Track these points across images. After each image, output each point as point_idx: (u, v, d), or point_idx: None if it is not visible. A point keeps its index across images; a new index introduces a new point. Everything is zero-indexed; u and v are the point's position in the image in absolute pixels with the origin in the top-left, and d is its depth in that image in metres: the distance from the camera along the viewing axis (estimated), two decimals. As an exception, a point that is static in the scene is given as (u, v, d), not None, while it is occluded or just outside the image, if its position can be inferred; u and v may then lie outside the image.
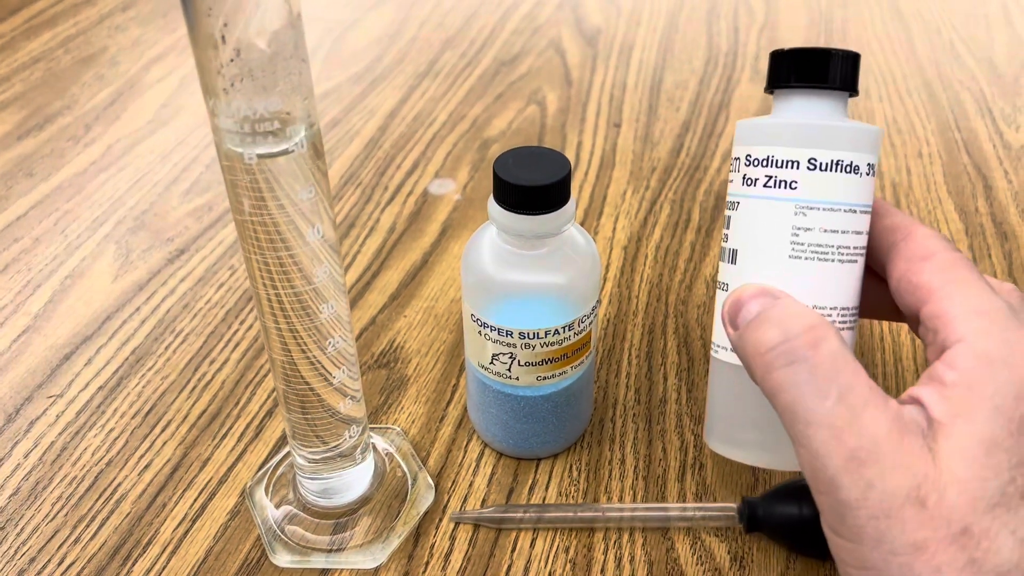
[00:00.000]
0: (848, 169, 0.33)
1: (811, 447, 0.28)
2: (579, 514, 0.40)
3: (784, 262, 0.33)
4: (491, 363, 0.39)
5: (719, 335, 0.36)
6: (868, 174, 0.34)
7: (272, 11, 0.26)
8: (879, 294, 0.36)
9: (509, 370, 0.39)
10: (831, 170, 0.33)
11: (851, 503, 0.27)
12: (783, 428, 0.30)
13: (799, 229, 0.33)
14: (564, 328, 0.38)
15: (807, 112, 0.34)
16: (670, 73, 0.77)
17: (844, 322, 0.34)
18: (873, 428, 0.28)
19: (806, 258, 0.33)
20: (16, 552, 0.39)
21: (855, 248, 0.34)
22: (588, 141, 0.67)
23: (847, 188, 0.33)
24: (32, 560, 0.39)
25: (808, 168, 0.33)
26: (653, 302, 0.52)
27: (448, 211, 0.60)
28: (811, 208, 0.33)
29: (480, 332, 0.39)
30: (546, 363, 0.39)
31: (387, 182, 0.63)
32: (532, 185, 0.35)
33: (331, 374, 0.35)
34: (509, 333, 0.38)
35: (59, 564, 0.39)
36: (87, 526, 0.40)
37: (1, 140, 0.68)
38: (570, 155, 0.65)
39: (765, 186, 0.34)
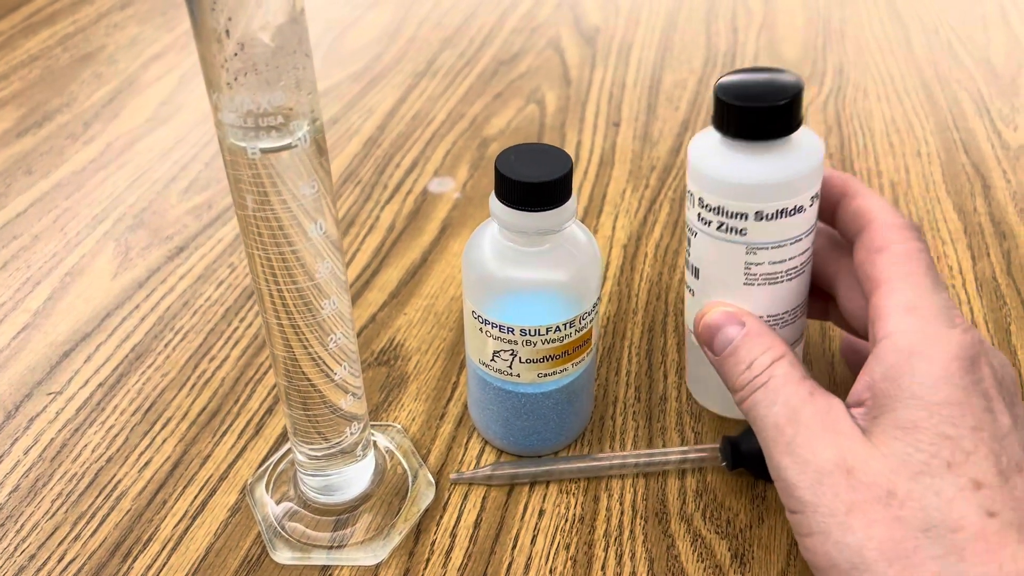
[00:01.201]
0: (792, 212, 0.37)
1: (765, 445, 0.34)
2: (581, 464, 0.42)
3: (739, 288, 0.38)
4: (492, 360, 0.39)
5: (691, 321, 0.41)
6: (812, 204, 0.37)
7: (276, 6, 0.26)
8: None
9: (510, 367, 0.39)
10: (776, 218, 0.36)
11: (793, 480, 0.33)
12: None
13: (751, 264, 0.38)
14: (565, 325, 0.38)
15: (752, 161, 0.36)
16: (669, 72, 0.77)
17: (793, 319, 0.40)
18: (807, 420, 0.33)
19: (758, 284, 0.38)
20: (16, 549, 0.39)
21: (801, 264, 0.39)
22: (587, 140, 0.67)
23: (792, 226, 0.37)
24: (32, 557, 0.39)
25: (755, 219, 0.36)
26: (653, 300, 0.52)
27: (448, 209, 0.60)
28: (760, 248, 0.37)
29: (481, 329, 0.39)
30: (547, 360, 0.39)
31: (386, 180, 0.63)
32: (534, 181, 0.35)
33: (333, 370, 0.35)
34: (510, 330, 0.38)
35: (59, 560, 0.39)
36: (87, 523, 0.40)
37: (0, 137, 0.68)
38: (569, 153, 0.65)
39: (718, 229, 0.37)
